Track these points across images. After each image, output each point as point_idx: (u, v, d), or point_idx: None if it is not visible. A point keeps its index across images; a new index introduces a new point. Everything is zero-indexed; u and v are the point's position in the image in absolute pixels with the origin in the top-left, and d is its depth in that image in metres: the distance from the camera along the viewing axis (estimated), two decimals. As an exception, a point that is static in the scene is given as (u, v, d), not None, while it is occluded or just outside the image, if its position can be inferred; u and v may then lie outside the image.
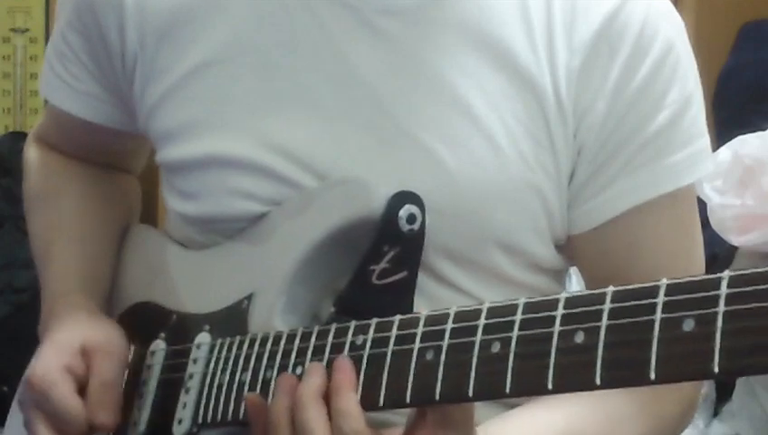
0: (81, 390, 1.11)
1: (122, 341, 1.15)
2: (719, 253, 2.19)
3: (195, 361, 1.12)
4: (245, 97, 1.12)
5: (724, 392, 2.22)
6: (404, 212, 1.04)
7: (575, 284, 1.23)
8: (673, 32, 1.12)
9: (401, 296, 1.04)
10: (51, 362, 1.12)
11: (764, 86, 2.71)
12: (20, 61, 3.05)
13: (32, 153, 1.37)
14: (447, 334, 0.90)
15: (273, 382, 1.01)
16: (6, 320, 2.75)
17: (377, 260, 1.04)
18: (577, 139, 1.10)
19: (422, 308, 1.02)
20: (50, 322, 1.19)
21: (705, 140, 1.14)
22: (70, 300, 1.21)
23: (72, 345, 1.13)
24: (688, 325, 0.76)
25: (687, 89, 1.12)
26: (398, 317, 0.95)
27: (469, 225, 1.09)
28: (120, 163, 1.37)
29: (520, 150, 1.09)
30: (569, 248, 1.15)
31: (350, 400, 0.94)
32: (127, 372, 1.16)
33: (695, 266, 1.16)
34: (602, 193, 1.11)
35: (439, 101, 1.09)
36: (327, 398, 0.95)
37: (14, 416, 1.34)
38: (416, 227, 1.04)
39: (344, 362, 0.96)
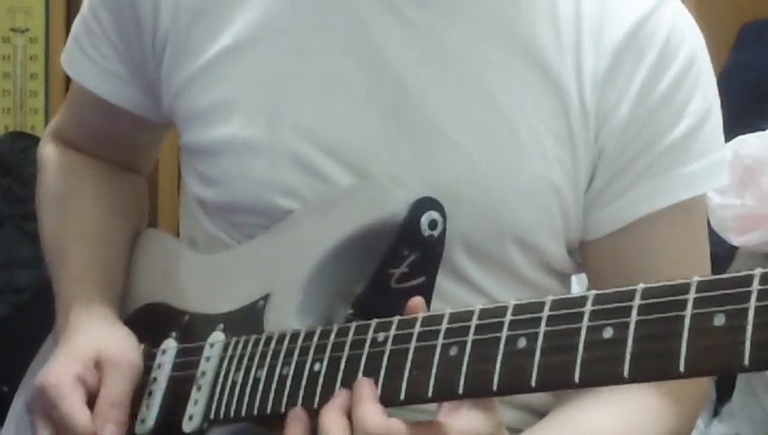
0: (92, 400, 1.12)
1: (136, 354, 1.16)
2: (719, 253, 2.19)
3: (208, 359, 1.12)
4: (276, 79, 1.13)
5: (724, 392, 2.22)
6: (426, 218, 1.05)
7: (574, 283, 1.23)
8: (696, 42, 1.14)
9: None
10: (63, 371, 1.12)
11: (764, 86, 2.71)
12: (20, 61, 3.05)
13: (47, 151, 1.37)
14: (472, 331, 0.91)
15: (289, 379, 1.02)
16: (6, 320, 2.74)
17: (396, 264, 1.05)
18: (598, 142, 1.11)
19: (436, 306, 1.03)
20: (65, 326, 1.19)
21: (723, 152, 1.15)
22: (87, 305, 1.20)
23: (87, 355, 1.13)
24: (719, 320, 0.77)
25: (708, 100, 1.13)
26: (420, 314, 0.96)
27: (488, 217, 1.10)
28: (131, 161, 1.37)
29: (541, 147, 1.10)
30: (580, 254, 1.15)
31: (370, 407, 0.95)
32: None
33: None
34: (619, 199, 1.12)
35: (466, 92, 1.10)
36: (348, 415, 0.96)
37: (12, 417, 1.34)
38: (436, 233, 1.05)
39: (364, 380, 0.97)
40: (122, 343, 1.16)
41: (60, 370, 1.12)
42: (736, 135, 2.16)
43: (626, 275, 1.13)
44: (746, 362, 0.75)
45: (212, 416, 1.09)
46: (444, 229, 1.05)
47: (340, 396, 0.98)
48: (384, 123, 1.10)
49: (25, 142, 2.81)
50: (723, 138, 1.16)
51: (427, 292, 1.05)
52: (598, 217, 1.13)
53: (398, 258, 1.05)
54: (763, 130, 2.21)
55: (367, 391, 0.96)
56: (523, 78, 1.10)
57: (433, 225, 1.05)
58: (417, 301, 1.00)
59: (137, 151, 1.37)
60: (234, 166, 1.14)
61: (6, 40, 3.05)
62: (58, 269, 1.26)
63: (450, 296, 1.10)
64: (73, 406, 1.10)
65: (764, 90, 2.69)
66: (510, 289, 1.12)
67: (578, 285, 1.27)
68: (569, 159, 1.10)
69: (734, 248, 2.20)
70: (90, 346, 1.14)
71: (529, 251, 1.12)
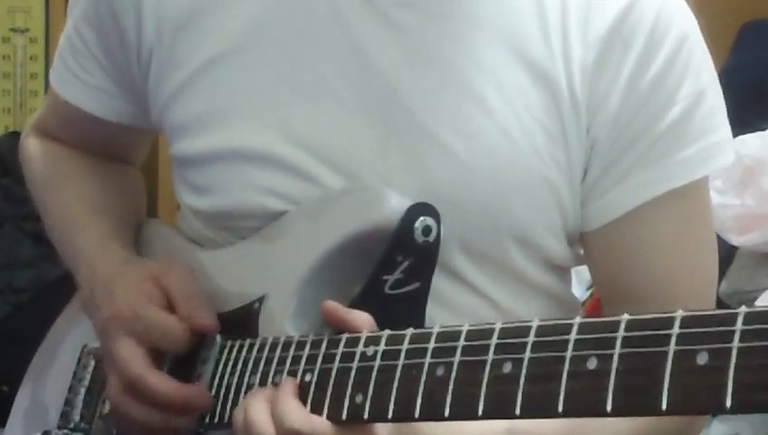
0: None
1: (184, 262, 1.15)
2: (719, 253, 2.19)
3: (204, 360, 1.12)
4: (263, 87, 1.13)
5: (724, 392, 2.22)
6: (419, 224, 1.04)
7: (575, 283, 1.23)
8: (686, 26, 1.12)
9: (413, 307, 1.04)
10: (131, 292, 1.11)
11: (764, 86, 2.71)
12: (20, 61, 3.05)
13: (33, 143, 1.37)
14: (459, 352, 0.90)
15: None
16: (6, 320, 2.75)
17: (390, 270, 1.04)
18: (590, 134, 1.10)
19: (434, 309, 1.03)
20: (97, 280, 1.17)
21: (720, 134, 1.14)
22: (115, 255, 1.20)
23: (143, 275, 1.13)
24: (702, 359, 0.76)
25: (701, 83, 1.12)
26: (410, 331, 0.95)
27: (483, 217, 1.09)
28: (123, 155, 1.37)
29: (534, 145, 1.09)
30: (580, 245, 1.15)
31: (289, 401, 0.96)
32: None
33: (702, 266, 1.16)
34: (614, 189, 1.11)
35: (454, 93, 1.09)
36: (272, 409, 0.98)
37: (15, 416, 1.34)
38: (430, 238, 1.05)
39: (287, 379, 0.99)
40: (166, 261, 1.16)
41: (126, 293, 1.12)
42: (736, 135, 2.16)
43: (624, 266, 1.12)
44: (728, 404, 0.74)
45: (207, 420, 1.08)
46: (438, 235, 1.05)
47: (266, 388, 1.00)
48: (373, 128, 1.10)
49: (23, 134, 2.81)
50: (721, 121, 1.14)
51: (421, 298, 1.05)
52: (594, 209, 1.12)
53: (391, 264, 1.04)
54: (763, 130, 2.21)
55: (290, 387, 0.97)
56: (511, 76, 1.10)
57: (427, 231, 1.04)
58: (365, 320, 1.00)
59: (127, 147, 1.37)
60: (224, 174, 1.13)
61: (6, 40, 3.05)
62: (75, 236, 1.25)
63: (449, 299, 1.09)
64: (159, 310, 1.09)
65: (764, 90, 2.70)
66: (509, 289, 1.12)
67: (576, 281, 1.26)
68: (562, 154, 1.10)
69: (734, 248, 2.20)
70: (140, 269, 1.14)
71: (528, 248, 1.12)
